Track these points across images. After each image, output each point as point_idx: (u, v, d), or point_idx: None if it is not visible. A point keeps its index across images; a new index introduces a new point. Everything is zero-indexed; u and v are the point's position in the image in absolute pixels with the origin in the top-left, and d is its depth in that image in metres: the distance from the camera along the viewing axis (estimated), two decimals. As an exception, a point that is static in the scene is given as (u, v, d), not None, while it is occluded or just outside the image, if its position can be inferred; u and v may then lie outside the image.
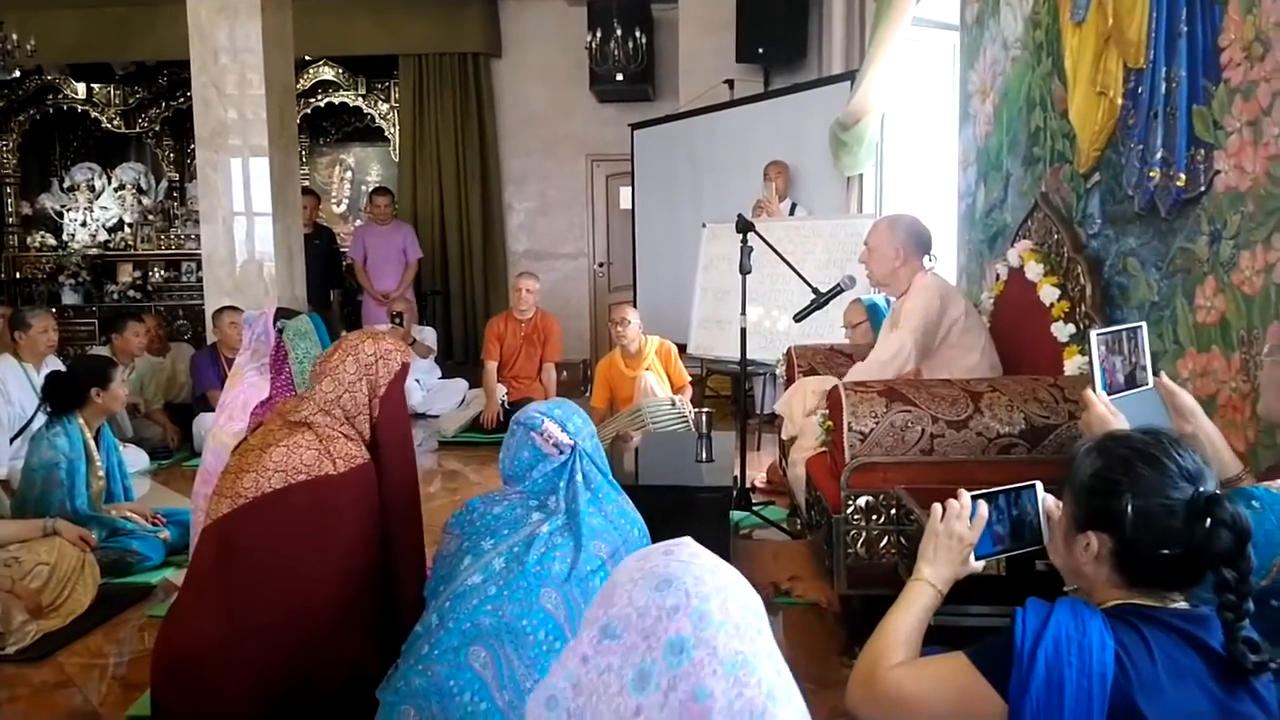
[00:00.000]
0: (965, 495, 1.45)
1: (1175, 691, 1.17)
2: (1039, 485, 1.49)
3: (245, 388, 3.10)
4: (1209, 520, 1.21)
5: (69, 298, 8.26)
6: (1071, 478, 1.35)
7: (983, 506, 1.44)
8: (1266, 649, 1.19)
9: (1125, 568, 1.28)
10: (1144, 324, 1.94)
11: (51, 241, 8.64)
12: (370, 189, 8.23)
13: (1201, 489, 1.23)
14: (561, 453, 1.92)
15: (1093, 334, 1.86)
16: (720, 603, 0.84)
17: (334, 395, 2.06)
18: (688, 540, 0.93)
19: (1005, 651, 1.24)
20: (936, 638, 1.93)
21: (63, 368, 4.44)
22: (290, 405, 2.13)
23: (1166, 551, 1.23)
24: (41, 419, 3.51)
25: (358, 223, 8.39)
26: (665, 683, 0.79)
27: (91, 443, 3.47)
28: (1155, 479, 1.24)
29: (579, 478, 1.90)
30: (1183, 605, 1.26)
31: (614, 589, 0.88)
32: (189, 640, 1.87)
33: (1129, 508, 1.25)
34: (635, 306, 6.31)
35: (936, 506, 1.47)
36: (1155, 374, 1.87)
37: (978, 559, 1.45)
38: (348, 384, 2.07)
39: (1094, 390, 1.80)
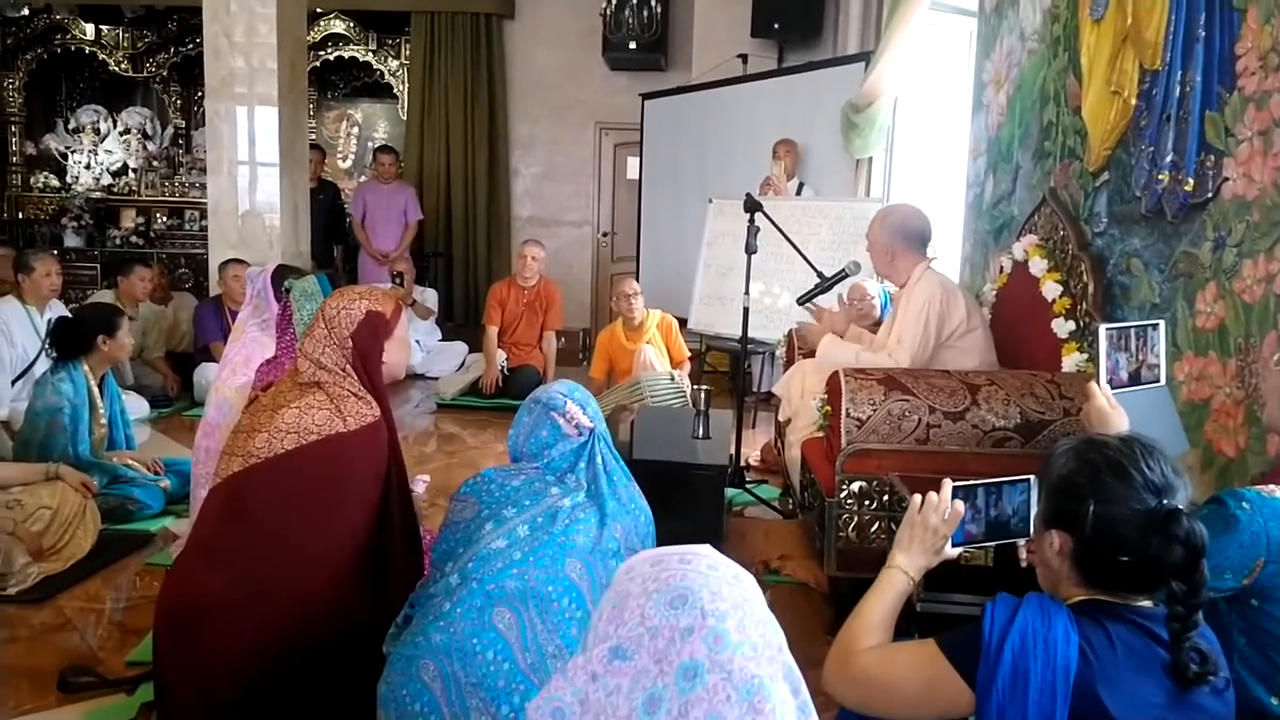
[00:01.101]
0: (947, 488, 1.50)
1: (1136, 684, 1.22)
2: (1033, 480, 1.52)
3: (247, 342, 3.12)
4: (1164, 534, 1.24)
5: (71, 240, 8.23)
6: (1045, 476, 1.40)
7: (957, 504, 1.49)
8: (1213, 661, 1.22)
9: (1084, 568, 1.32)
10: (1161, 323, 1.96)
11: (55, 183, 8.59)
12: (376, 146, 8.19)
13: (1164, 502, 1.26)
14: (581, 434, 1.97)
15: (1101, 328, 1.89)
16: (738, 621, 0.81)
17: (315, 354, 2.08)
18: (707, 549, 0.89)
19: (974, 643, 1.29)
20: (924, 624, 1.98)
21: (66, 312, 4.45)
22: (293, 368, 2.15)
23: (1125, 558, 1.27)
24: (44, 363, 3.53)
25: (362, 179, 8.36)
26: (676, 709, 0.76)
27: (95, 390, 3.50)
28: (1119, 488, 1.28)
29: (599, 460, 1.94)
30: (1145, 604, 1.30)
31: (626, 600, 0.84)
32: (194, 593, 1.90)
33: (1090, 513, 1.29)
34: (638, 278, 6.34)
35: (916, 497, 1.51)
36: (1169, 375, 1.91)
37: (954, 546, 1.50)
38: (322, 340, 2.08)
39: (1097, 383, 1.83)
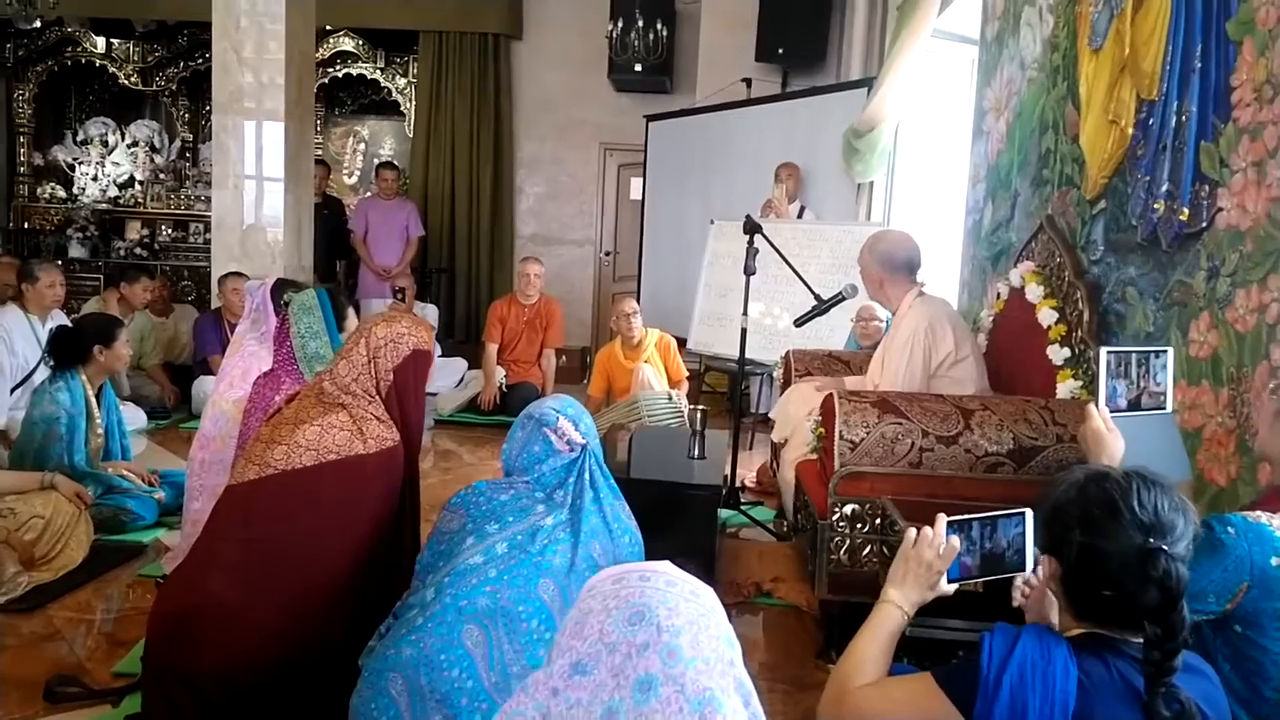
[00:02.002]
0: (941, 523, 1.48)
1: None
2: (1029, 513, 1.51)
3: (245, 356, 3.13)
4: (1141, 574, 1.23)
5: (76, 251, 8.28)
6: (1044, 499, 1.40)
7: (953, 540, 1.47)
8: (1192, 712, 1.19)
9: (1071, 597, 1.32)
10: (1169, 350, 1.94)
11: (62, 194, 8.65)
12: (379, 162, 8.25)
13: (1150, 541, 1.24)
14: (573, 450, 1.97)
15: (1102, 351, 1.88)
16: (691, 637, 0.85)
17: (349, 377, 2.09)
18: (666, 566, 0.93)
19: (971, 675, 1.28)
20: (913, 650, 1.97)
21: (67, 322, 4.47)
22: (319, 384, 2.16)
23: (1108, 592, 1.27)
24: (43, 372, 3.55)
25: (367, 195, 8.41)
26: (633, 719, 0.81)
27: (93, 400, 3.50)
28: (1106, 522, 1.27)
29: (587, 477, 1.95)
30: (1140, 641, 1.28)
31: (587, 617, 0.88)
32: (194, 595, 1.91)
33: (1075, 543, 1.29)
34: (639, 298, 6.35)
35: (911, 531, 1.50)
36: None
37: (950, 582, 1.49)
38: (359, 366, 2.10)
39: (1096, 405, 1.83)
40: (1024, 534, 1.49)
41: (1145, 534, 1.25)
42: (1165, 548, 1.23)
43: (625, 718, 0.80)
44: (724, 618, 0.91)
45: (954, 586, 1.49)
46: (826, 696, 1.45)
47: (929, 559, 1.46)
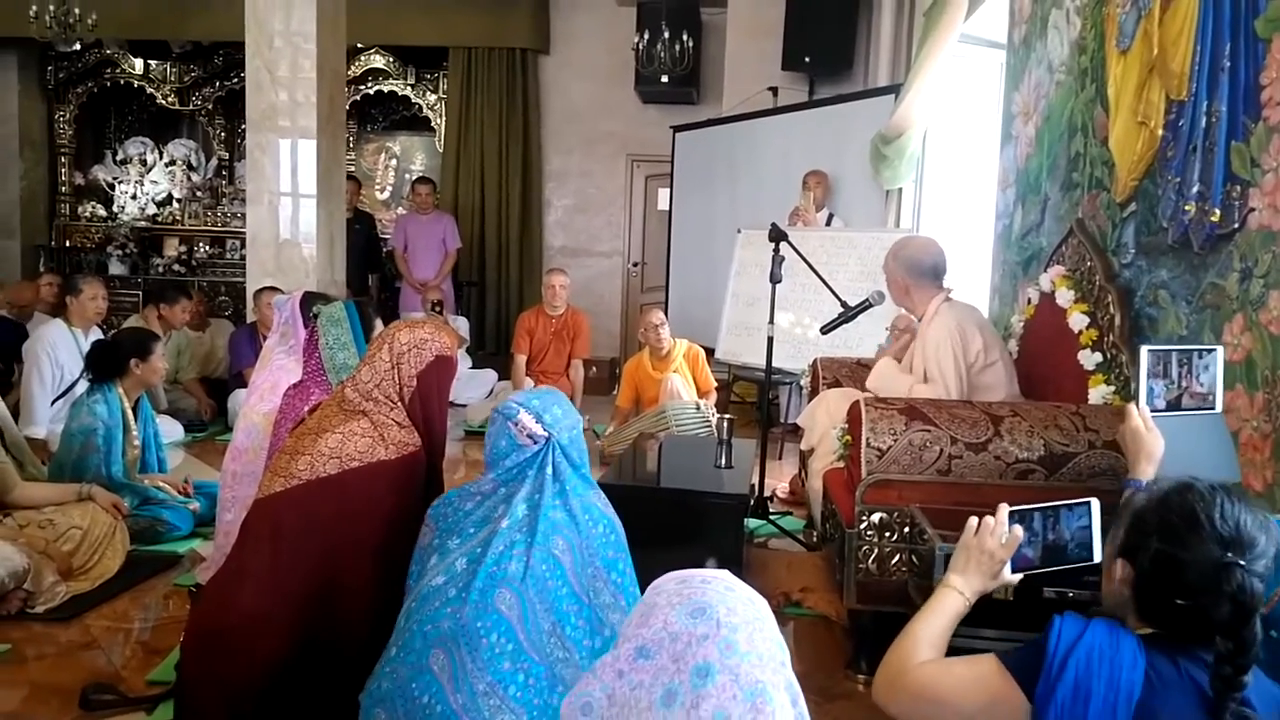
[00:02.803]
0: (1003, 512, 1.48)
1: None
2: (1095, 502, 1.49)
3: (274, 369, 3.18)
4: (1215, 587, 1.22)
5: (115, 268, 8.46)
6: (1124, 506, 1.40)
7: (1015, 528, 1.46)
8: None
9: (1141, 603, 1.31)
10: (1219, 348, 1.91)
11: (102, 212, 8.85)
12: (414, 177, 8.35)
13: (1228, 555, 1.23)
14: (535, 443, 1.90)
15: (1143, 349, 1.85)
16: (747, 635, 0.91)
17: (372, 383, 2.11)
18: (726, 573, 1.00)
19: (1037, 656, 1.28)
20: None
21: (104, 338, 4.57)
22: (341, 392, 2.18)
23: (1180, 602, 1.25)
24: (84, 384, 3.62)
25: (400, 210, 8.51)
26: (689, 701, 0.86)
27: (129, 412, 3.57)
28: (1185, 532, 1.26)
29: (548, 470, 1.88)
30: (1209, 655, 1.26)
31: (652, 610, 0.95)
32: (228, 612, 1.93)
33: (1152, 549, 1.28)
34: (667, 308, 6.35)
35: (972, 520, 1.49)
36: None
37: (1014, 572, 1.48)
38: (382, 372, 2.11)
39: (1137, 404, 1.80)
40: (1090, 525, 1.48)
41: (1224, 548, 1.24)
42: (1243, 563, 1.22)
43: (683, 699, 0.86)
44: (775, 625, 0.97)
45: (1018, 576, 1.48)
46: (881, 676, 1.45)
47: (991, 547, 1.46)
